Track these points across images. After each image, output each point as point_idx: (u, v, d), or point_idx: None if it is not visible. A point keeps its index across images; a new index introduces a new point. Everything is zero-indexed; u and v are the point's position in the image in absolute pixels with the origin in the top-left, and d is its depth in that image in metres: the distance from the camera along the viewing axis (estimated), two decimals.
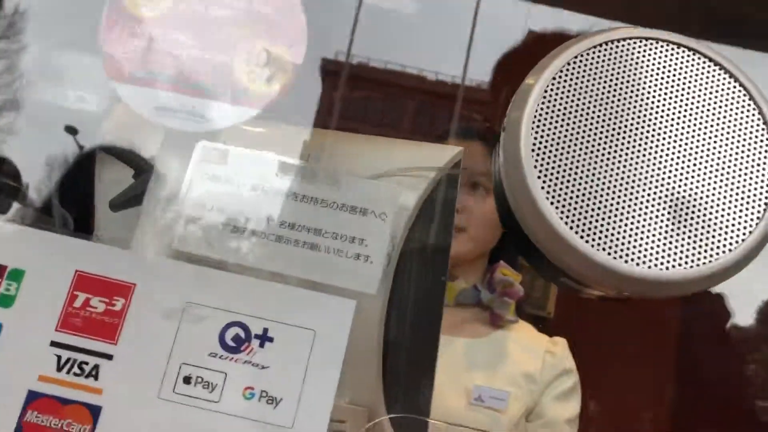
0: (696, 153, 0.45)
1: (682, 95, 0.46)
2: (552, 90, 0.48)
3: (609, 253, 0.44)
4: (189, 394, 0.44)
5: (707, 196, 0.44)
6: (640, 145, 0.45)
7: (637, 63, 0.48)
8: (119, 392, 0.44)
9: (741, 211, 0.44)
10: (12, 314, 0.45)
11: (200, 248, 0.47)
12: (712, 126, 0.45)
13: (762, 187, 0.44)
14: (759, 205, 0.44)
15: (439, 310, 0.74)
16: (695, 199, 0.44)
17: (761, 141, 0.44)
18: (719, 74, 0.46)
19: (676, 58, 0.47)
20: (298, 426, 0.44)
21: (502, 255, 1.02)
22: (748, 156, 0.44)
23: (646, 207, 0.44)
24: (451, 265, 0.97)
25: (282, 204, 0.48)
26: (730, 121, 0.45)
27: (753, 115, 0.45)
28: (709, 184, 0.44)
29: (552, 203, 0.45)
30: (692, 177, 0.44)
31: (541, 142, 0.46)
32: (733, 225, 0.43)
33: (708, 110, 0.46)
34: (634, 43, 0.49)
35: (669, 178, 0.44)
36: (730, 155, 0.44)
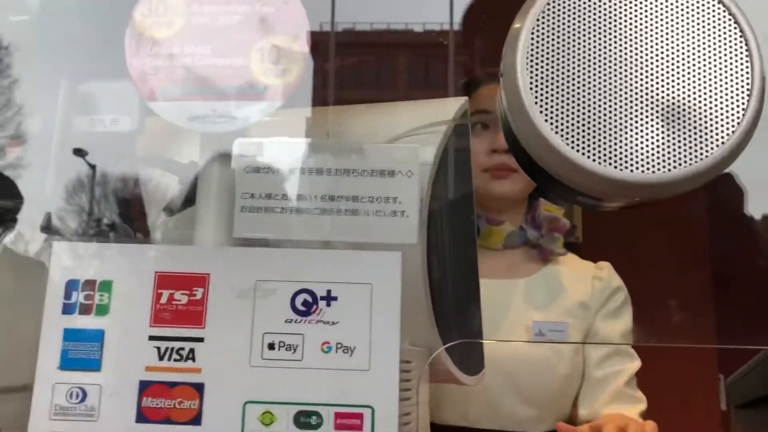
0: (680, 62, 0.49)
1: (661, 12, 0.51)
2: (539, 29, 0.52)
3: (614, 165, 0.49)
4: (275, 358, 0.50)
5: (695, 99, 0.49)
6: (628, 61, 0.50)
7: None
8: (216, 368, 0.51)
9: (726, 108, 0.49)
10: (110, 320, 0.52)
11: (257, 231, 0.53)
12: (691, 35, 0.50)
13: (740, 87, 0.49)
14: (740, 103, 0.49)
15: (473, 247, 0.80)
16: (684, 104, 0.49)
17: (735, 44, 0.49)
18: None
19: None
20: (374, 367, 0.50)
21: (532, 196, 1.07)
22: (726, 57, 0.49)
23: (641, 117, 0.49)
24: (498, 208, 1.03)
25: (319, 180, 0.54)
26: (707, 29, 0.50)
27: (727, 20, 0.50)
28: (694, 88, 0.49)
29: (556, 132, 0.50)
30: (679, 84, 0.49)
31: (537, 80, 0.51)
32: (721, 121, 0.49)
33: (686, 21, 0.50)
34: None
35: (658, 87, 0.49)
36: (710, 59, 0.49)
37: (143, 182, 0.67)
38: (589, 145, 0.50)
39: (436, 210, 0.63)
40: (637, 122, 0.49)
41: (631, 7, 0.51)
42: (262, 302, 0.51)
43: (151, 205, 0.67)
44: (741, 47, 0.50)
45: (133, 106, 0.64)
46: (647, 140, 0.49)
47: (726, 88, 0.49)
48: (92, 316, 0.52)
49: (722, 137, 0.49)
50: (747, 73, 0.50)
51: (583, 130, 0.50)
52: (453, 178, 0.70)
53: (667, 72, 0.50)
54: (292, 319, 0.51)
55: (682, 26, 0.50)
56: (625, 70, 0.50)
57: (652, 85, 0.49)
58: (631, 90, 0.50)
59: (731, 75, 0.49)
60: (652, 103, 0.49)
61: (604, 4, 0.51)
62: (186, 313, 0.51)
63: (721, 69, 0.49)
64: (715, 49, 0.50)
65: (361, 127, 0.68)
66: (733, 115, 0.49)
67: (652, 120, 0.49)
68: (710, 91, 0.49)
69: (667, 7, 0.50)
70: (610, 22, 0.51)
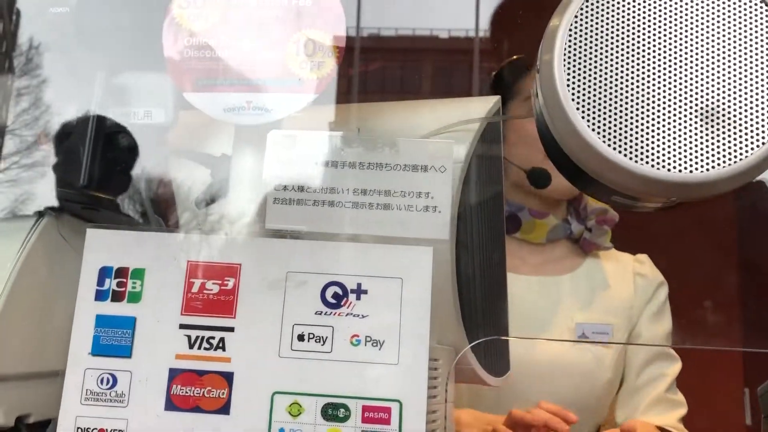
0: (721, 61, 0.49)
1: (702, 11, 0.50)
2: (576, 26, 0.52)
3: (652, 165, 0.48)
4: (305, 349, 0.50)
5: (734, 102, 0.48)
6: (667, 61, 0.50)
7: None
8: (245, 358, 0.51)
9: (765, 111, 0.48)
10: (142, 308, 0.52)
11: (289, 223, 0.53)
12: (732, 35, 0.49)
13: None
14: None
15: (502, 246, 0.80)
16: (724, 105, 0.48)
17: None
18: None
19: None
20: (402, 361, 0.50)
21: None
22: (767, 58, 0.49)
23: (680, 117, 0.49)
24: (550, 201, 0.99)
25: (351, 173, 0.54)
26: (749, 29, 0.49)
27: None
28: (734, 90, 0.49)
29: (594, 130, 0.50)
30: (719, 83, 0.49)
31: (574, 77, 0.51)
32: (761, 122, 0.48)
33: (728, 22, 0.50)
34: None
35: (697, 86, 0.49)
36: (752, 59, 0.49)
37: (174, 175, 0.67)
38: (626, 143, 0.49)
39: (465, 208, 0.63)
40: (675, 121, 0.49)
41: (671, 5, 0.51)
42: (293, 294, 0.51)
43: (182, 197, 0.67)
44: None
45: (167, 98, 0.65)
46: (686, 139, 0.48)
47: (766, 89, 0.48)
48: (124, 303, 0.52)
49: (762, 138, 0.48)
50: None
51: (621, 128, 0.49)
52: (484, 176, 0.70)
53: (707, 71, 0.49)
54: (322, 311, 0.51)
55: (724, 25, 0.50)
56: (664, 69, 0.49)
57: (691, 84, 0.49)
58: (670, 88, 0.49)
59: None
60: (691, 102, 0.49)
61: (644, 1, 0.51)
62: (217, 303, 0.52)
63: (762, 70, 0.49)
64: (757, 49, 0.49)
65: (391, 124, 0.68)
66: None
67: (690, 119, 0.49)
68: (751, 91, 0.49)
69: (708, 5, 0.50)
70: (649, 20, 0.50)
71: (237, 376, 0.50)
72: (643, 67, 0.50)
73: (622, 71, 0.50)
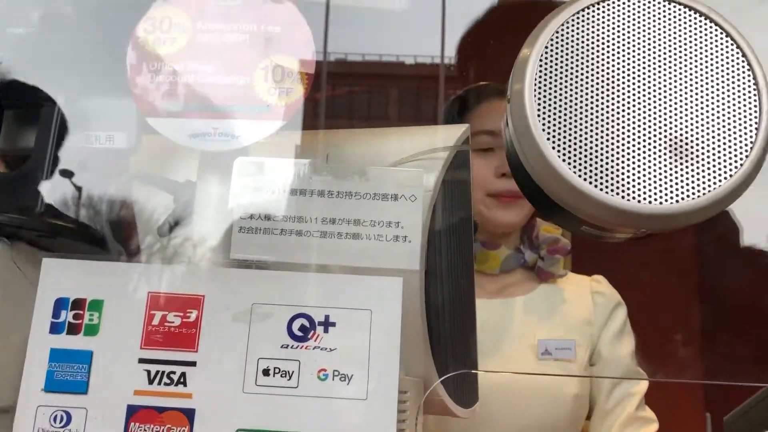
0: (690, 93, 0.49)
1: (671, 45, 0.51)
2: (547, 57, 0.52)
3: (622, 196, 0.48)
4: (270, 384, 0.49)
5: (702, 134, 0.49)
6: (637, 94, 0.50)
7: (624, 19, 0.52)
8: (208, 393, 0.49)
9: (733, 143, 0.48)
10: (99, 341, 0.50)
11: (254, 253, 0.52)
12: (700, 70, 0.50)
13: (749, 121, 0.49)
14: (749, 136, 0.49)
15: (470, 276, 0.79)
16: (692, 138, 0.49)
17: (745, 79, 0.49)
18: (704, 23, 0.51)
19: (662, 11, 0.52)
20: (371, 397, 0.49)
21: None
22: (735, 93, 0.49)
23: (649, 149, 0.49)
24: (498, 233, 1.00)
25: (320, 202, 0.53)
26: (716, 65, 0.50)
27: (737, 57, 0.50)
28: (703, 122, 0.49)
29: (564, 160, 0.50)
30: (687, 118, 0.49)
31: (545, 107, 0.51)
32: (729, 154, 0.48)
33: (696, 56, 0.50)
34: (618, 1, 0.53)
35: (667, 120, 0.49)
36: (720, 94, 0.49)
37: (136, 201, 0.65)
38: (596, 174, 0.49)
39: (435, 237, 0.62)
40: (645, 153, 0.49)
41: (641, 37, 0.51)
42: (258, 326, 0.50)
43: (144, 224, 0.65)
44: (750, 81, 0.50)
45: (131, 123, 0.63)
46: (656, 171, 0.48)
47: (734, 122, 0.49)
48: (81, 336, 0.50)
49: (730, 170, 0.48)
50: (755, 107, 0.49)
51: (591, 159, 0.49)
52: (453, 205, 0.69)
53: (677, 103, 0.49)
54: (288, 345, 0.49)
55: (692, 59, 0.50)
56: (634, 100, 0.50)
57: (660, 116, 0.49)
58: (639, 120, 0.49)
59: (740, 108, 0.49)
60: (660, 133, 0.49)
61: (614, 33, 0.51)
62: (179, 336, 0.50)
63: (729, 102, 0.49)
64: (724, 82, 0.49)
65: (361, 151, 0.67)
66: (741, 148, 0.49)
67: (660, 151, 0.49)
68: (719, 124, 0.49)
69: (677, 39, 0.50)
70: (619, 52, 0.51)
71: (199, 412, 0.48)
72: (613, 99, 0.50)
73: (592, 102, 0.50)
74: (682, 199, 0.48)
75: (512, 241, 1.03)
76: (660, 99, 0.49)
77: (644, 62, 0.50)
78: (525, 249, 1.01)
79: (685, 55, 0.50)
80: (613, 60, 0.50)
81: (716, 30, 0.51)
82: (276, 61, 0.56)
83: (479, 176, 0.93)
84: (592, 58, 0.51)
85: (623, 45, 0.51)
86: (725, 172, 0.49)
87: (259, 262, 0.52)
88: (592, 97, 0.50)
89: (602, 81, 0.50)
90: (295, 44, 0.57)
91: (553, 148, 0.50)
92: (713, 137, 0.49)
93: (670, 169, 0.49)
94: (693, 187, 0.48)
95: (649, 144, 0.49)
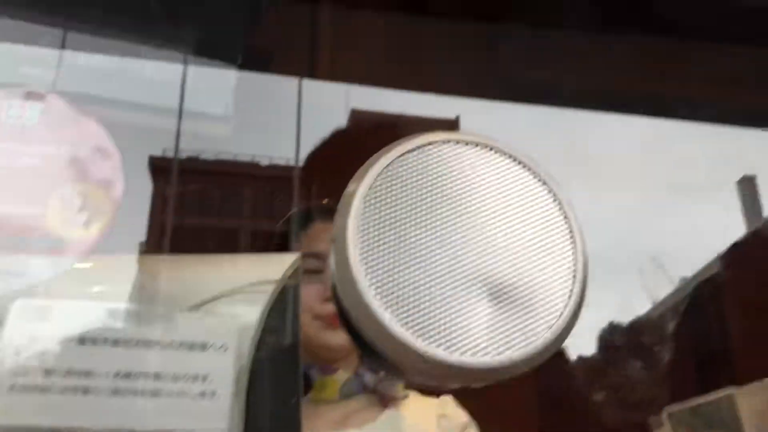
0: (508, 245, 0.49)
1: (489, 191, 0.51)
2: (372, 196, 0.50)
3: (444, 348, 0.46)
4: None
5: (522, 282, 0.48)
6: (457, 241, 0.49)
7: (447, 163, 0.52)
8: None
9: (553, 291, 0.48)
10: None
11: (29, 418, 0.44)
12: (518, 217, 0.50)
13: (566, 266, 0.49)
14: (567, 283, 0.49)
15: (297, 412, 0.73)
16: (512, 288, 0.48)
17: (559, 226, 0.50)
18: (519, 170, 0.51)
19: (485, 159, 0.52)
20: None
21: None
22: (550, 241, 0.49)
23: (470, 299, 0.47)
24: (332, 357, 0.95)
25: (115, 354, 0.46)
26: (533, 212, 0.50)
27: (550, 203, 0.50)
28: (522, 270, 0.48)
29: (386, 308, 0.47)
30: (507, 267, 0.48)
31: (368, 247, 0.48)
32: (548, 305, 0.48)
33: (512, 203, 0.50)
34: (441, 145, 0.53)
35: (487, 270, 0.48)
36: (537, 242, 0.49)
37: None
38: (419, 325, 0.46)
39: (257, 380, 0.57)
40: (466, 304, 0.47)
41: (462, 184, 0.51)
42: None
43: None
44: (564, 231, 0.50)
45: None
46: (477, 323, 0.47)
47: (552, 272, 0.49)
48: None
49: (550, 321, 0.48)
50: (571, 256, 0.50)
51: (414, 309, 0.47)
52: (281, 339, 0.64)
53: (497, 253, 0.49)
54: None
55: (510, 207, 0.50)
56: (454, 249, 0.48)
57: (481, 266, 0.48)
58: (461, 270, 0.48)
59: (556, 258, 0.49)
60: (481, 283, 0.48)
61: (435, 179, 0.50)
62: None
63: (546, 252, 0.49)
64: (541, 232, 0.50)
65: (180, 281, 0.61)
66: (559, 298, 0.48)
67: (481, 301, 0.47)
68: (537, 274, 0.49)
69: (496, 189, 0.50)
70: (439, 198, 0.50)
71: None
72: (433, 245, 0.48)
73: (413, 249, 0.48)
74: (505, 350, 0.47)
75: (351, 363, 0.98)
76: (479, 248, 0.48)
77: (463, 208, 0.50)
78: (364, 372, 0.97)
79: (504, 203, 0.50)
80: (433, 206, 0.49)
81: (529, 176, 0.51)
82: (77, 188, 0.50)
83: (306, 300, 0.89)
84: (414, 204, 0.49)
85: (444, 191, 0.50)
86: (548, 321, 0.48)
87: (33, 428, 0.44)
88: (413, 242, 0.48)
89: (423, 226, 0.49)
90: (102, 170, 0.52)
91: (375, 296, 0.47)
92: (532, 288, 0.48)
93: (491, 319, 0.47)
94: (515, 339, 0.47)
95: (471, 294, 0.47)
